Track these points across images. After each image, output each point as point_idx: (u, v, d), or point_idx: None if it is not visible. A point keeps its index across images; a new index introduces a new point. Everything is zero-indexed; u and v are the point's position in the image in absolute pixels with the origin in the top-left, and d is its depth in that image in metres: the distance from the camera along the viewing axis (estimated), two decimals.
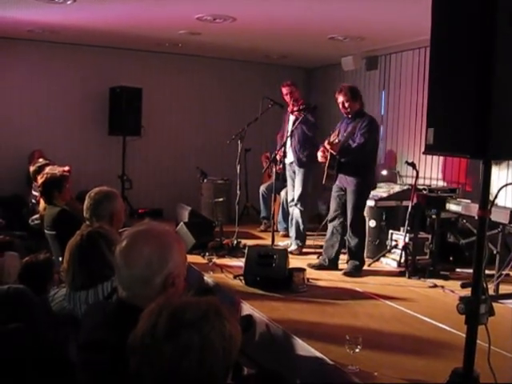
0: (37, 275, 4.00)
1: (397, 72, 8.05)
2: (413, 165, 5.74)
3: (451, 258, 5.97)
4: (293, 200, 6.67)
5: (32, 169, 6.13)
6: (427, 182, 7.18)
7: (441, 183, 7.13)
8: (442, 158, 6.90)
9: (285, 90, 6.62)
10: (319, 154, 5.58)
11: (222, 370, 1.45)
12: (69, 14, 6.55)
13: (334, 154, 5.39)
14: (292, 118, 6.45)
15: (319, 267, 5.67)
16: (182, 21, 6.73)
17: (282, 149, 6.30)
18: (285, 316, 4.14)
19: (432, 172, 7.30)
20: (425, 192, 5.94)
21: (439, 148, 2.59)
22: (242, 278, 5.05)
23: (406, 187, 6.43)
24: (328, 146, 5.39)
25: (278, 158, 6.39)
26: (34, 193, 6.26)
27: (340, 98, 5.52)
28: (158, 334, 1.40)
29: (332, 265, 5.64)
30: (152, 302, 1.51)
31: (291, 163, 6.59)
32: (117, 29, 7.30)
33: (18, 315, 3.34)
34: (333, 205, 5.72)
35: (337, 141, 5.39)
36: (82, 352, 1.90)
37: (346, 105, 5.49)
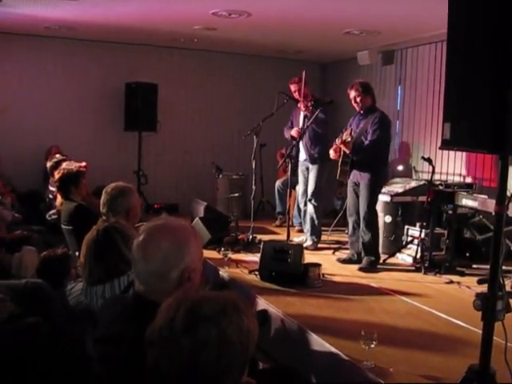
0: (54, 270, 4.05)
1: (413, 66, 8.00)
2: (429, 160, 5.70)
3: (467, 254, 5.91)
4: (303, 196, 6.68)
5: (49, 164, 6.18)
6: (444, 177, 7.13)
7: (457, 178, 7.06)
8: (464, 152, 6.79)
9: (293, 88, 6.56)
10: (331, 153, 5.62)
11: (240, 365, 1.46)
12: (85, 11, 6.59)
13: (348, 152, 5.43)
14: (302, 114, 6.42)
15: (348, 262, 5.71)
16: (197, 16, 6.74)
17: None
18: (300, 311, 4.15)
19: (449, 167, 7.24)
20: (441, 187, 5.90)
21: (456, 143, 2.57)
22: (257, 273, 5.05)
23: (422, 182, 6.39)
24: (342, 146, 5.43)
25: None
26: (51, 188, 6.31)
27: (352, 94, 5.55)
28: (176, 327, 1.41)
29: (360, 258, 5.65)
30: (168, 296, 1.52)
31: (304, 160, 6.59)
32: (132, 25, 7.33)
33: (36, 309, 3.38)
34: (349, 200, 5.74)
35: (349, 139, 5.43)
36: (100, 346, 1.92)
37: (358, 100, 5.51)
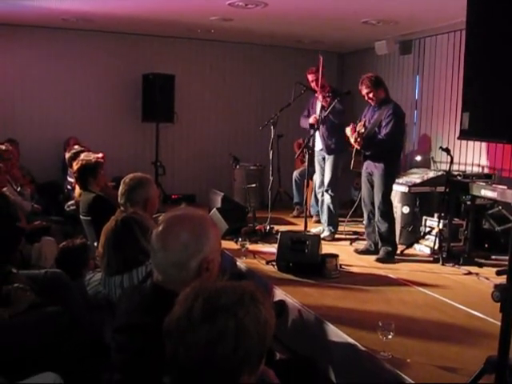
0: (73, 260, 4.10)
1: (431, 56, 7.91)
2: (447, 150, 5.66)
3: (486, 245, 5.87)
4: (320, 186, 6.67)
5: (68, 155, 6.23)
6: (463, 167, 7.06)
7: (476, 169, 7.00)
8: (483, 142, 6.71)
9: (310, 77, 6.52)
10: (347, 130, 5.56)
11: (257, 355, 1.46)
12: (102, 3, 6.61)
13: (359, 148, 5.45)
14: (319, 104, 6.38)
15: (366, 252, 5.71)
16: (213, 7, 6.72)
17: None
18: (317, 302, 4.15)
19: (467, 157, 7.17)
20: (459, 178, 5.85)
21: (475, 133, 2.55)
22: (274, 263, 5.06)
23: (440, 173, 6.34)
24: (355, 144, 5.44)
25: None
26: (70, 179, 6.37)
27: (363, 90, 5.52)
28: (194, 317, 1.41)
29: (378, 249, 5.64)
30: (187, 286, 1.52)
31: (321, 149, 6.57)
32: (149, 16, 7.33)
33: (55, 299, 3.42)
34: (364, 190, 5.73)
35: (363, 130, 5.43)
36: (118, 335, 1.93)
37: (371, 95, 5.49)
